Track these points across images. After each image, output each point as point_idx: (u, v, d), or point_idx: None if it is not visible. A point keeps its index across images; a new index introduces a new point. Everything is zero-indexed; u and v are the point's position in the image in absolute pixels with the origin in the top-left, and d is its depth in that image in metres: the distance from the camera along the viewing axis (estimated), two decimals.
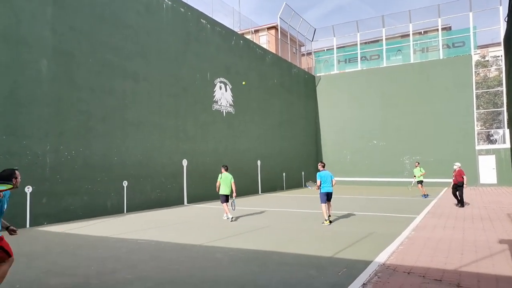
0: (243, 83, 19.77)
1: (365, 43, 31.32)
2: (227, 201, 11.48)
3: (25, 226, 10.39)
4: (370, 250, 6.96)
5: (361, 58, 29.52)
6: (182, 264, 6.29)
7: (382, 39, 28.85)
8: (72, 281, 5.38)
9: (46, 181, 11.02)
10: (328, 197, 10.31)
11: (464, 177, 13.36)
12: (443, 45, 26.75)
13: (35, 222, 10.62)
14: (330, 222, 10.30)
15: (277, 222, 10.89)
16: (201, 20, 18.13)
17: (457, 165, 13.69)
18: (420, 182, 17.61)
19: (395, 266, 5.84)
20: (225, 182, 11.39)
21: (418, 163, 18.19)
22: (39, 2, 11.21)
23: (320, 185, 10.28)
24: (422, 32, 31.18)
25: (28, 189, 10.53)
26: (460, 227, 9.41)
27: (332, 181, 10.43)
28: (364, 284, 5.02)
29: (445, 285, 4.92)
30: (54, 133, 11.38)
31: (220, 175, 11.55)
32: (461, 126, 24.74)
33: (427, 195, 17.44)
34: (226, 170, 11.63)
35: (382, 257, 6.41)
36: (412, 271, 5.57)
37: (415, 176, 17.88)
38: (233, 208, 11.71)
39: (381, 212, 12.56)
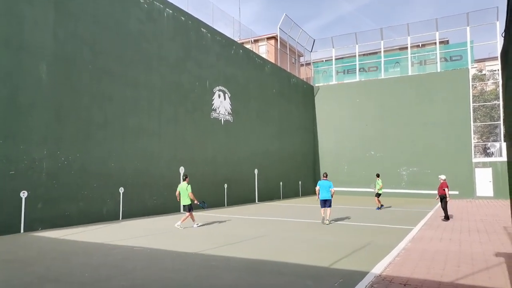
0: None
1: (364, 54, 31.61)
2: (189, 210, 11.43)
3: (19, 231, 10.30)
4: (366, 261, 6.94)
5: (359, 69, 29.76)
6: (177, 272, 6.24)
7: (380, 51, 29.13)
8: (67, 287, 5.32)
9: (42, 186, 10.96)
10: (325, 203, 12.13)
11: (446, 189, 13.09)
12: (440, 59, 27.02)
13: (29, 228, 10.53)
14: (327, 223, 12.06)
15: (273, 231, 10.84)
16: (202, 29, 18.27)
17: (441, 178, 13.41)
18: (378, 195, 17.61)
19: (391, 278, 5.82)
20: (182, 192, 11.52)
21: (378, 175, 18.28)
22: (41, 9, 11.29)
23: (319, 193, 12.19)
24: (420, 45, 31.53)
25: (24, 194, 10.47)
26: (456, 239, 9.40)
27: (330, 190, 12.11)
28: None
29: None
30: (52, 139, 11.36)
31: (179, 185, 11.72)
32: (458, 139, 24.87)
33: (382, 206, 17.65)
34: (185, 179, 11.67)
35: (378, 268, 6.39)
36: (408, 282, 5.55)
37: (374, 187, 17.93)
38: (204, 206, 12.30)
39: (378, 223, 12.54)
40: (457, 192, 24.38)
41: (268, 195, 22.83)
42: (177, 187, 15.97)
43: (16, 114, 10.51)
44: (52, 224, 11.11)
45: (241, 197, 20.27)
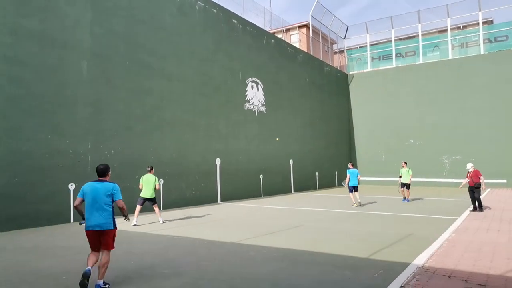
0: (277, 139, 19.73)
1: (400, 39, 30.38)
2: (142, 204, 10.48)
3: (69, 221, 10.92)
4: (408, 252, 6.77)
5: (396, 55, 28.69)
6: (215, 261, 6.39)
7: (418, 35, 27.89)
8: (113, 274, 5.59)
9: (87, 178, 11.41)
10: (354, 188, 14.42)
11: (481, 177, 12.27)
12: (484, 40, 25.48)
13: (78, 217, 11.13)
14: (360, 204, 14.29)
15: (310, 221, 10.81)
16: (233, 20, 18.29)
17: (470, 166, 12.59)
18: (407, 185, 15.64)
19: (434, 269, 5.64)
20: (147, 184, 10.37)
21: (406, 163, 16.04)
22: (80, 7, 11.75)
23: (349, 180, 14.45)
24: (461, 27, 29.83)
25: (72, 186, 11.06)
26: (505, 230, 8.94)
27: (357, 176, 14.53)
28: (402, 286, 4.89)
29: None
30: (95, 133, 11.88)
31: (142, 177, 10.58)
32: (504, 124, 23.46)
33: (406, 198, 15.79)
34: (150, 171, 10.59)
35: (420, 260, 6.21)
36: (453, 274, 5.36)
37: (400, 177, 15.82)
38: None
39: (420, 213, 12.16)
40: (505, 181, 23.15)
41: (304, 185, 22.73)
42: (213, 178, 16.37)
43: (61, 109, 11.06)
44: None
45: (277, 188, 20.31)
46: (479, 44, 25.56)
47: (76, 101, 11.46)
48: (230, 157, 17.32)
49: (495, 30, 25.84)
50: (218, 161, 16.61)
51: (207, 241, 8.09)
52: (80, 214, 5.10)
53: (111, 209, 5.04)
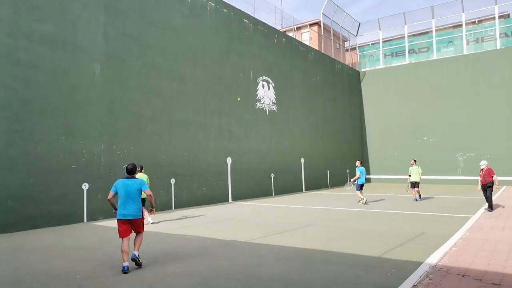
0: (238, 99, 17.45)
1: (413, 35, 29.93)
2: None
3: (82, 221, 11.12)
4: (420, 251, 6.68)
5: (409, 51, 28.29)
6: (227, 260, 6.42)
7: (431, 31, 27.43)
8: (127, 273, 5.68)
9: (101, 178, 11.70)
10: (362, 186, 14.65)
11: (494, 176, 11.78)
12: (500, 34, 24.90)
13: (91, 217, 11.33)
14: (366, 202, 14.37)
15: (322, 220, 10.76)
16: (244, 19, 18.31)
17: (484, 163, 12.07)
18: (417, 184, 15.19)
19: (448, 268, 5.56)
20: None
21: (415, 161, 15.79)
22: (93, 10, 11.93)
23: (359, 177, 14.56)
24: (477, 21, 29.22)
25: (85, 186, 11.25)
26: None
27: (364, 174, 14.86)
28: (414, 285, 4.83)
29: None
30: (108, 133, 12.06)
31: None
32: None
33: (420, 197, 15.36)
34: (141, 170, 10.38)
35: (433, 258, 6.13)
36: (467, 273, 5.27)
37: (409, 175, 15.47)
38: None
39: (433, 212, 11.99)
40: None
41: (315, 184, 22.63)
42: (225, 177, 16.44)
43: (75, 111, 11.26)
44: (111, 214, 11.84)
45: (288, 187, 20.27)
46: (495, 39, 25.02)
47: (89, 102, 11.65)
48: (241, 157, 17.36)
49: None
50: (229, 161, 16.66)
51: (219, 240, 8.14)
52: (112, 206, 6.16)
53: (140, 202, 6.21)
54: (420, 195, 15.47)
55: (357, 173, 14.67)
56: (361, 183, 14.60)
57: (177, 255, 6.83)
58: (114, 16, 12.54)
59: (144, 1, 13.56)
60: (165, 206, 13.59)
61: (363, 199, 14.43)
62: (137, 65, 13.15)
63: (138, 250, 6.09)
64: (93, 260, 6.61)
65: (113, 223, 10.81)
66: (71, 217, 10.91)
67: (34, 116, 10.32)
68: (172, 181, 13.97)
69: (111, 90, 12.29)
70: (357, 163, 15.18)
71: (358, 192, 14.66)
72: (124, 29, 12.81)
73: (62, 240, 8.55)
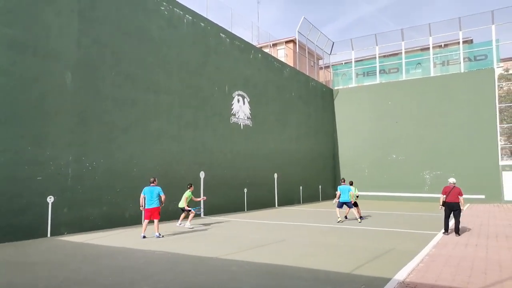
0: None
1: (384, 56, 31.14)
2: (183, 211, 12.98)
3: (46, 235, 10.62)
4: (389, 267, 6.81)
5: (379, 71, 29.33)
6: (198, 277, 6.30)
7: (401, 52, 28.64)
8: None
9: (68, 191, 11.28)
10: (345, 204, 14.10)
11: (461, 198, 10.62)
12: (464, 59, 26.32)
13: (56, 232, 10.84)
14: (341, 221, 13.98)
15: (294, 236, 10.79)
16: (220, 34, 18.45)
17: (453, 182, 11.00)
18: (349, 204, 14.12)
19: (415, 284, 5.69)
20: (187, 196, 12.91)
21: (352, 183, 15.28)
22: (66, 16, 11.67)
23: (340, 196, 14.13)
24: (443, 45, 30.80)
25: (50, 199, 10.80)
26: (483, 245, 9.10)
27: (349, 193, 14.09)
28: None
29: None
30: (77, 144, 11.69)
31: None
32: (483, 141, 24.12)
33: (362, 217, 14.53)
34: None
35: (401, 275, 6.26)
36: None
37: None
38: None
39: (401, 228, 12.29)
40: (483, 196, 23.64)
41: (288, 200, 22.73)
42: (197, 191, 16.22)
43: (43, 119, 10.87)
44: (77, 228, 11.41)
45: (261, 202, 20.26)
46: (460, 63, 26.38)
47: (59, 111, 11.28)
48: (215, 171, 17.24)
49: (475, 49, 26.73)
50: (202, 175, 16.50)
51: (189, 256, 7.98)
52: (141, 205, 10.49)
53: (158, 201, 10.47)
54: (361, 216, 14.38)
55: (337, 192, 14.27)
56: (341, 201, 14.04)
57: (146, 272, 6.64)
58: (88, 24, 12.32)
59: (120, 10, 13.43)
60: (135, 220, 13.23)
61: (338, 217, 13.87)
62: (111, 74, 12.92)
63: (157, 231, 10.38)
64: (56, 277, 6.31)
65: (79, 238, 10.42)
66: (34, 231, 10.40)
67: None
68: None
69: (83, 99, 11.98)
70: (341, 181, 14.82)
71: (337, 210, 14.12)
72: (98, 38, 12.60)
73: (23, 255, 8.13)
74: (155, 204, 10.37)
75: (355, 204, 14.44)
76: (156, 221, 10.43)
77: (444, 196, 10.81)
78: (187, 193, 12.90)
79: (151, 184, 10.60)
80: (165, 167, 14.68)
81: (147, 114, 14.12)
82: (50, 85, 11.11)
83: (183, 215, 13.02)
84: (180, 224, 13.03)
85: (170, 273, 6.49)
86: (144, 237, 10.17)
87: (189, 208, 12.87)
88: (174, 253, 8.29)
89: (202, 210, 15.29)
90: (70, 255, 8.16)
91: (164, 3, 15.29)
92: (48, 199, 10.74)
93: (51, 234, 10.72)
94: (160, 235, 10.41)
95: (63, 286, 5.73)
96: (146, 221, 10.43)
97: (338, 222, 13.80)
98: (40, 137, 10.74)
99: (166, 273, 6.53)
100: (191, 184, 13.26)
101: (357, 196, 15.39)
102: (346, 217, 14.62)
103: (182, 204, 12.90)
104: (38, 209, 10.52)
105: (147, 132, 14.06)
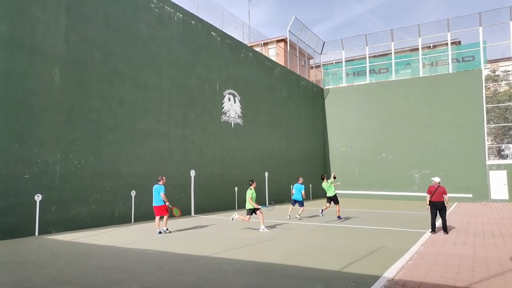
0: (343, 149, 20.31)
1: (374, 56, 31.37)
2: (251, 213, 11.99)
3: (33, 234, 10.45)
4: (378, 265, 6.86)
5: (369, 71, 29.55)
6: (187, 275, 6.26)
7: (391, 53, 28.89)
8: None
9: (55, 189, 11.12)
10: (297, 202, 14.84)
11: (446, 196, 10.65)
12: (452, 60, 26.67)
13: (43, 230, 10.68)
14: (290, 217, 14.75)
15: (283, 234, 10.80)
16: (211, 32, 18.37)
17: (437, 181, 10.87)
18: (336, 201, 14.27)
19: (404, 282, 5.74)
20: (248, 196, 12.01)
21: (325, 177, 15.27)
22: (53, 13, 11.49)
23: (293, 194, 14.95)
24: (432, 46, 31.17)
25: (38, 198, 10.62)
26: (470, 243, 9.23)
27: (301, 192, 14.78)
28: None
29: None
30: (65, 142, 11.52)
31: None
32: (471, 141, 24.47)
33: (323, 210, 15.13)
34: (251, 184, 12.18)
35: (390, 272, 6.31)
36: (421, 287, 5.47)
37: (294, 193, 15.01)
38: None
39: (390, 227, 12.39)
40: (470, 195, 23.99)
41: (278, 198, 22.75)
42: (188, 190, 16.15)
43: (30, 117, 10.68)
44: (65, 227, 11.26)
45: None
46: (448, 63, 26.72)
47: (46, 108, 11.10)
48: (205, 169, 17.18)
49: (463, 51, 27.11)
50: (192, 173, 16.42)
51: (179, 255, 7.93)
52: (165, 201, 10.94)
53: (161, 198, 10.85)
54: (339, 216, 14.20)
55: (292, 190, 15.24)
56: (293, 199, 15.03)
57: (135, 271, 6.57)
58: (76, 21, 12.14)
59: (108, 7, 13.26)
60: (124, 219, 13.11)
61: (288, 215, 14.87)
62: (99, 71, 12.76)
63: (166, 226, 11.09)
64: (42, 276, 6.20)
65: (67, 237, 10.27)
66: (21, 230, 10.22)
67: None
68: (133, 193, 13.53)
69: (70, 96, 11.80)
70: (299, 179, 15.41)
71: (290, 207, 15.26)
72: (86, 34, 12.42)
73: (10, 254, 7.98)
74: (159, 202, 10.87)
75: (336, 201, 14.31)
76: (165, 217, 11.02)
77: (430, 195, 10.79)
78: (250, 192, 11.72)
79: (158, 183, 11.12)
80: (154, 165, 14.56)
81: (136, 112, 13.99)
82: (37, 82, 10.92)
83: (248, 217, 11.72)
84: (263, 229, 11.53)
85: (159, 272, 6.44)
86: (160, 232, 10.77)
87: (259, 206, 11.74)
88: (163, 251, 8.23)
89: (273, 205, 15.23)
90: (58, 254, 8.04)
91: (154, 0, 15.16)
92: (36, 198, 10.57)
93: (39, 233, 10.56)
94: (166, 230, 10.96)
95: (50, 286, 5.63)
96: (157, 217, 10.93)
97: (288, 218, 14.65)
98: (27, 135, 10.56)
99: (155, 272, 6.47)
100: (253, 180, 12.25)
101: (335, 194, 14.54)
102: (299, 216, 14.66)
103: (249, 205, 11.67)
104: (25, 207, 10.35)
105: (135, 131, 13.92)
